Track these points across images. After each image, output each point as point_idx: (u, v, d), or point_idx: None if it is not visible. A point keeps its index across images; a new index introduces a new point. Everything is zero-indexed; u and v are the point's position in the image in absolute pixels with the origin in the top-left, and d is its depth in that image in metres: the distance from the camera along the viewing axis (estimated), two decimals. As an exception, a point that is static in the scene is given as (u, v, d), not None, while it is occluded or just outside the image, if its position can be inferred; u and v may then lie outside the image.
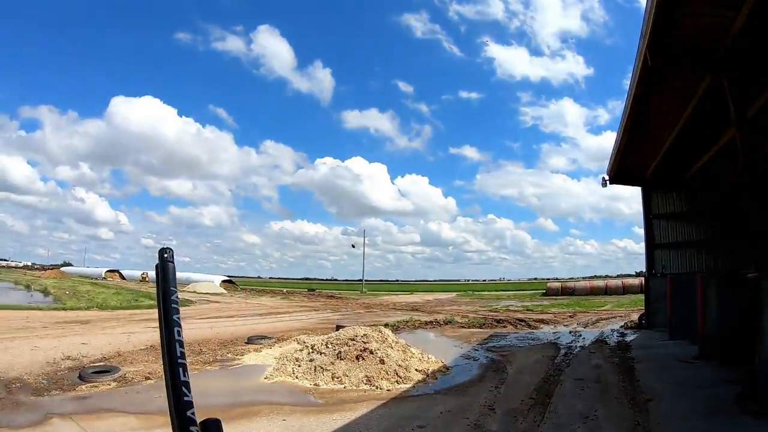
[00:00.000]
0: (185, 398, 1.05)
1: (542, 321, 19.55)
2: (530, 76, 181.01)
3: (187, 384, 1.06)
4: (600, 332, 15.36)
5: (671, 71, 8.30)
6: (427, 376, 8.92)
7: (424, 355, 10.14)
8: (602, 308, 26.30)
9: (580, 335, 14.91)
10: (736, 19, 6.86)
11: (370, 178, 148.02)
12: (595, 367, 9.91)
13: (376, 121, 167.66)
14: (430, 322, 18.96)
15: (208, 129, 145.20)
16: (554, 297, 41.02)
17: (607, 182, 16.90)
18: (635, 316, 17.49)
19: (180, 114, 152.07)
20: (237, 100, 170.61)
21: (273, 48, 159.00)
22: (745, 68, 7.51)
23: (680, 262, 16.11)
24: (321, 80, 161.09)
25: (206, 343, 12.33)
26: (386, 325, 17.23)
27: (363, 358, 9.01)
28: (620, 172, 16.41)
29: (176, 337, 1.10)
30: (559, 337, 14.60)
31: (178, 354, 1.09)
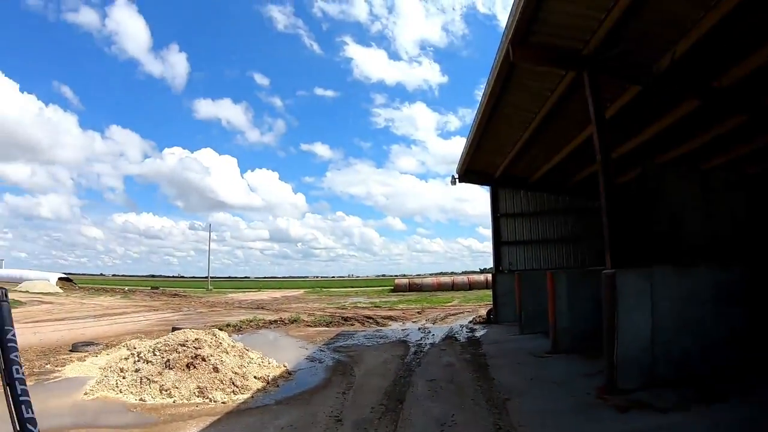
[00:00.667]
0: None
1: (390, 318, 19.45)
2: (386, 79, 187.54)
3: (33, 420, 1.19)
4: (449, 328, 15.52)
5: (533, 65, 8.22)
6: (268, 383, 8.16)
7: (264, 360, 9.40)
8: (449, 304, 27.18)
9: (430, 332, 14.90)
10: (604, 21, 6.91)
11: (219, 171, 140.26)
12: (447, 365, 9.66)
13: (229, 111, 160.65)
14: (275, 320, 18.12)
15: (51, 108, 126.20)
16: (402, 293, 41.77)
17: (456, 180, 17.10)
18: (483, 312, 18.25)
19: (22, 90, 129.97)
20: (84, 78, 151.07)
21: (129, 25, 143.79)
22: (607, 70, 7.65)
23: (527, 258, 17.07)
24: (175, 64, 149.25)
25: (25, 353, 10.01)
26: (228, 325, 16.07)
27: (194, 367, 7.78)
28: (470, 170, 16.78)
29: (16, 375, 1.22)
30: (408, 335, 14.44)
31: (20, 392, 1.20)
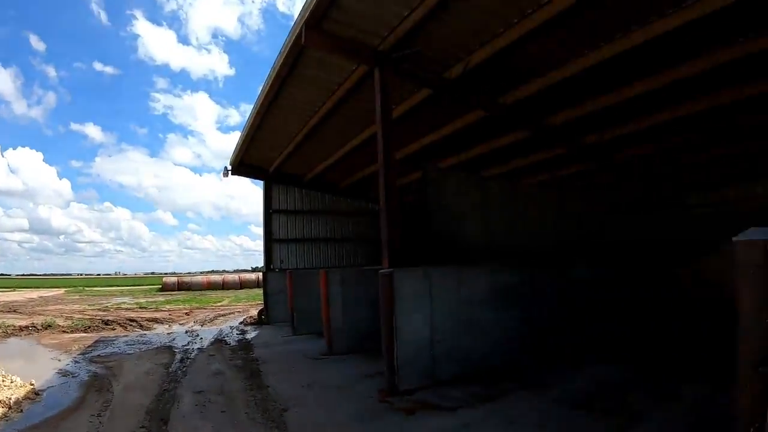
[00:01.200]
0: None
1: (156, 320, 17.45)
2: (172, 63, 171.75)
3: None
4: (219, 330, 14.35)
5: (324, 53, 7.77)
6: (10, 408, 6.72)
7: (7, 378, 7.98)
8: (220, 304, 25.49)
9: (198, 335, 13.60)
10: (406, 19, 6.82)
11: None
12: (216, 373, 8.67)
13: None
14: (27, 327, 15.21)
15: None
16: (170, 292, 39.09)
17: (229, 172, 15.82)
18: (254, 312, 17.34)
19: None
20: None
21: None
22: (401, 69, 7.64)
23: (300, 257, 16.75)
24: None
25: None
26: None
27: None
28: (245, 163, 15.70)
29: None
30: (174, 339, 12.97)
31: None
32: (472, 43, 7.38)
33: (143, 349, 11.40)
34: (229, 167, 15.65)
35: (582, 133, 10.90)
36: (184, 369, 9.03)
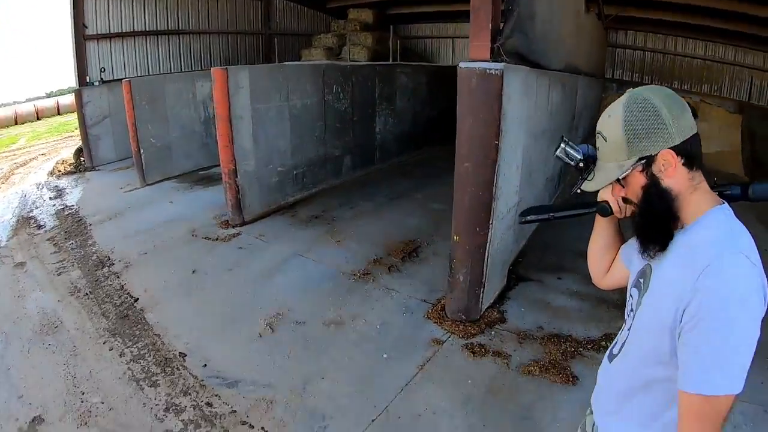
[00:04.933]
0: None
1: None
2: None
3: None
4: (21, 196, 7.74)
5: None
6: None
7: None
8: (14, 146, 17.15)
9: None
10: None
11: None
12: (43, 331, 3.90)
13: None
14: None
15: None
16: None
17: None
18: (67, 153, 10.96)
19: None
20: None
21: None
22: None
23: (135, 61, 10.31)
24: None
25: None
26: None
27: None
28: None
29: None
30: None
31: None
32: None
33: None
34: None
35: None
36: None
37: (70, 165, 9.33)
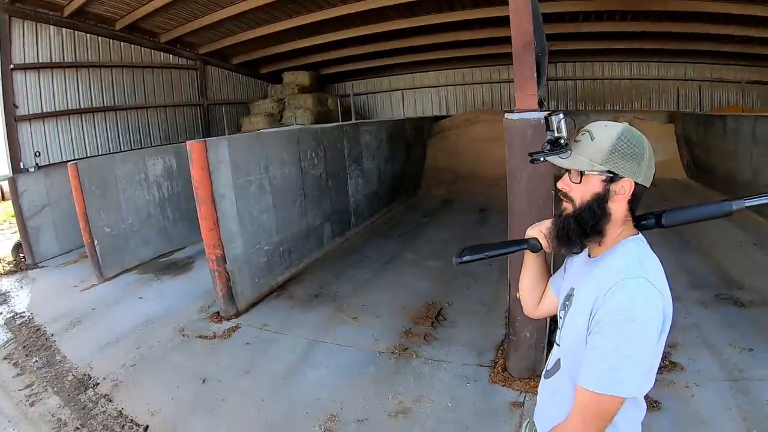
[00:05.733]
0: None
1: None
2: None
3: None
4: None
5: None
6: None
7: None
8: None
9: None
10: None
11: None
12: None
13: None
14: None
15: None
16: None
17: None
18: (4, 249, 9.54)
19: None
20: None
21: None
22: None
23: (74, 141, 9.42)
24: None
25: None
26: None
27: None
28: None
29: None
30: None
31: None
32: None
33: None
34: None
35: None
36: None
37: (9, 263, 8.11)
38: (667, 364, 3.51)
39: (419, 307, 5.04)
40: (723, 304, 4.55)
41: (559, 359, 1.40)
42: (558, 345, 1.42)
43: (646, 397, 2.97)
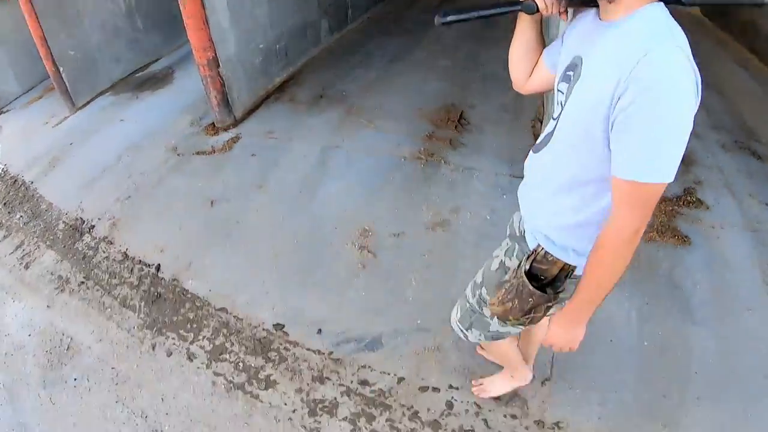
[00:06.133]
0: None
1: None
2: None
3: None
4: None
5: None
6: None
7: None
8: None
9: None
10: None
11: None
12: None
13: None
14: None
15: None
16: None
17: None
18: None
19: None
20: None
21: None
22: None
23: None
24: None
25: None
26: None
27: None
28: None
29: None
30: None
31: None
32: None
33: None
34: None
35: None
36: None
37: (-33, 112, 7.17)
38: (695, 200, 3.31)
39: (438, 108, 4.38)
40: (742, 152, 4.03)
41: (551, 132, 1.27)
42: (554, 119, 1.26)
43: (678, 232, 2.91)
